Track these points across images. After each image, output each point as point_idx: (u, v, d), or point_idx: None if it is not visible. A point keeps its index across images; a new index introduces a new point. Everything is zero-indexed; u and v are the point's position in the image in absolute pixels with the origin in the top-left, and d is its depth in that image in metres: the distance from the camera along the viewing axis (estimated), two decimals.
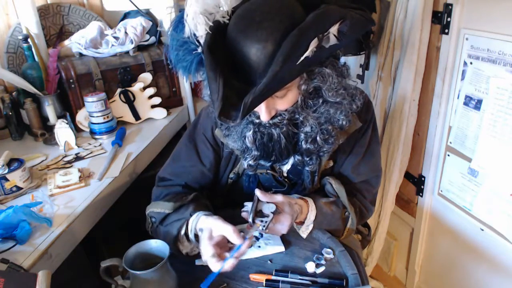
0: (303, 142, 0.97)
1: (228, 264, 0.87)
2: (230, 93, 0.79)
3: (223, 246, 0.92)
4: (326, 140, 0.97)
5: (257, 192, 0.97)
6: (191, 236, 0.97)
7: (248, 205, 1.01)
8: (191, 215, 0.99)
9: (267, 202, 0.97)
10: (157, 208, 1.05)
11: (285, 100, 0.91)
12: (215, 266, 0.86)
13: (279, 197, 0.98)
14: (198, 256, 0.96)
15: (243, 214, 0.98)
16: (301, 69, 0.82)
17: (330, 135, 0.97)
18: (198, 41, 0.88)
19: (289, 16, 0.82)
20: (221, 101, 0.78)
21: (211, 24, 0.85)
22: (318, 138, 0.96)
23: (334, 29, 0.80)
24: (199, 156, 1.13)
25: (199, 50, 0.88)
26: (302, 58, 0.78)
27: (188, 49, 0.90)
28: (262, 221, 0.93)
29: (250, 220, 0.93)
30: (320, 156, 1.04)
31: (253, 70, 0.82)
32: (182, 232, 0.99)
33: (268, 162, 1.03)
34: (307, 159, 1.02)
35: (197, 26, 0.85)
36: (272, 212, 0.95)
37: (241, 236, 0.89)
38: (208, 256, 0.88)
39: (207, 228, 0.93)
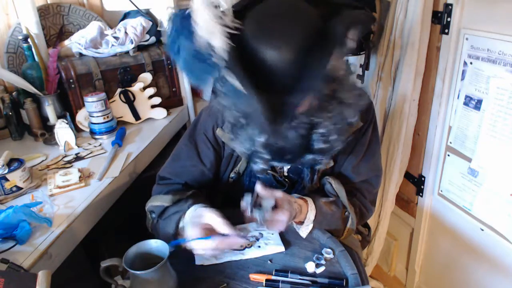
0: (317, 142, 0.96)
1: (207, 243, 0.90)
2: (267, 105, 0.79)
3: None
4: (339, 139, 0.97)
5: (258, 186, 0.97)
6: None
7: (248, 197, 1.01)
8: (189, 208, 0.99)
9: (267, 198, 0.97)
10: (156, 202, 1.06)
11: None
12: (192, 233, 0.90)
13: (279, 193, 0.98)
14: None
15: (242, 205, 0.98)
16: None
17: (342, 134, 0.97)
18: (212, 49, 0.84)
19: (309, 22, 0.81)
20: (266, 113, 0.78)
21: (227, 33, 0.81)
22: (331, 138, 0.96)
23: (351, 34, 0.81)
24: (199, 155, 1.14)
25: (217, 60, 0.83)
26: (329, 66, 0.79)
27: (202, 59, 0.85)
28: (260, 211, 0.94)
29: (248, 210, 0.93)
30: (333, 154, 1.03)
31: (277, 79, 0.81)
32: (181, 224, 0.99)
33: (280, 163, 1.03)
34: (320, 158, 1.01)
35: (212, 36, 0.81)
36: (271, 206, 0.95)
37: (231, 227, 0.91)
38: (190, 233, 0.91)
39: (198, 215, 0.95)
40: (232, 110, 0.92)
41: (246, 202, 0.97)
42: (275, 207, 0.96)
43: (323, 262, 1.02)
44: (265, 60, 0.80)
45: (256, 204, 0.96)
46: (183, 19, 0.86)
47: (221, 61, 0.81)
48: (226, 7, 0.85)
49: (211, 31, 0.80)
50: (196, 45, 0.84)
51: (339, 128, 0.95)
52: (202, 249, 0.93)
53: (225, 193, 1.20)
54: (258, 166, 1.01)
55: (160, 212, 1.05)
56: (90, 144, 1.55)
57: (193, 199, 1.03)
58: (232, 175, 1.15)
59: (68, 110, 1.63)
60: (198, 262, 1.03)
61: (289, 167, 1.11)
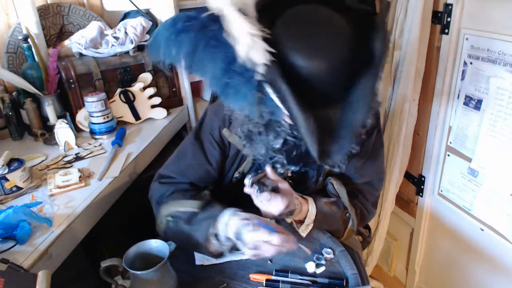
0: None
1: (274, 239, 0.88)
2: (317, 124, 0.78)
3: None
4: (355, 141, 0.96)
5: (268, 168, 0.97)
6: (223, 234, 0.95)
7: (253, 173, 1.01)
8: (220, 213, 0.96)
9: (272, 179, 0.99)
10: (181, 207, 1.03)
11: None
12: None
13: (285, 183, 0.98)
14: (218, 255, 0.97)
15: (246, 180, 0.98)
16: None
17: (357, 136, 0.96)
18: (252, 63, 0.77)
19: (346, 32, 0.80)
20: (315, 135, 0.77)
21: (271, 49, 0.74)
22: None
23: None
24: (205, 155, 1.12)
25: (258, 76, 0.76)
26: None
27: (240, 74, 0.77)
28: (259, 187, 0.95)
29: (249, 183, 0.95)
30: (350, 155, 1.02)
31: (323, 95, 0.80)
32: (212, 230, 0.96)
33: (297, 167, 1.02)
34: (338, 162, 1.00)
35: (252, 50, 0.74)
36: (272, 187, 0.97)
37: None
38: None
39: (252, 217, 0.93)
40: (254, 120, 0.91)
41: (249, 177, 0.98)
42: (277, 192, 0.97)
43: (323, 262, 1.02)
44: (310, 75, 0.77)
45: (259, 181, 0.97)
46: (202, 27, 0.78)
47: (262, 76, 0.75)
48: (251, 12, 0.79)
49: (250, 45, 0.74)
50: (229, 59, 0.76)
51: (358, 131, 0.95)
52: (270, 247, 0.89)
53: (229, 193, 1.19)
54: (277, 170, 1.00)
55: (187, 218, 1.01)
56: (90, 144, 1.55)
57: (219, 204, 1.01)
58: (236, 174, 1.15)
59: (68, 110, 1.63)
60: (198, 262, 1.03)
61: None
